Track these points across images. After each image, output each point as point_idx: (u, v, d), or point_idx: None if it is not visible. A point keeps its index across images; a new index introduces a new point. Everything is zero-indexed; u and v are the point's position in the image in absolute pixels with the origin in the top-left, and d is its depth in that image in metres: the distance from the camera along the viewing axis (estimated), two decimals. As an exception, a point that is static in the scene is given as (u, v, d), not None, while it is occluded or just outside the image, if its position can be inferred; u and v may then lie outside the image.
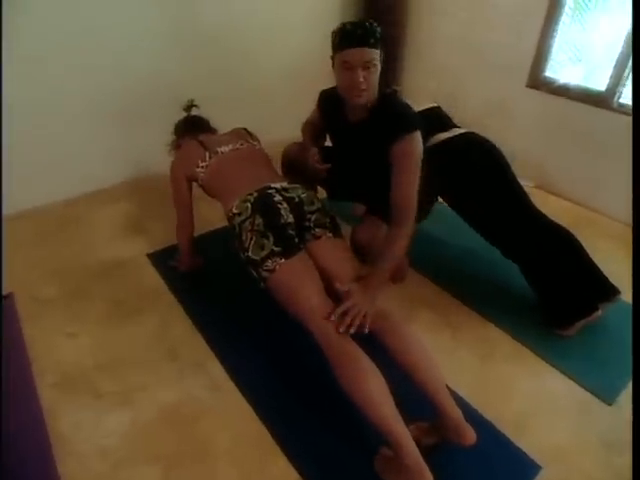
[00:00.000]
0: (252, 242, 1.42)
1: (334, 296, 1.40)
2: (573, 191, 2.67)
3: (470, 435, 1.23)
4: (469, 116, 2.95)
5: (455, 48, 2.93)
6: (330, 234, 1.52)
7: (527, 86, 2.66)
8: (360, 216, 1.94)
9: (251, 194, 1.50)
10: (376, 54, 1.39)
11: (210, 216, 1.71)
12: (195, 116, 1.96)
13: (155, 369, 1.61)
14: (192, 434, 1.41)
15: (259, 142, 1.86)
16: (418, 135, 1.48)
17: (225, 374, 1.59)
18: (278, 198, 1.48)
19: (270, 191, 1.51)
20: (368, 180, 1.74)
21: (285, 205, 1.48)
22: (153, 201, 2.53)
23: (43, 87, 2.25)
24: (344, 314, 1.31)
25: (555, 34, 2.52)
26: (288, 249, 1.40)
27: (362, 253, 1.69)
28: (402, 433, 1.16)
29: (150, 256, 2.15)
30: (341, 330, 1.28)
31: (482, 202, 1.83)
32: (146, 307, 1.87)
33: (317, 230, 1.51)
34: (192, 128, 1.90)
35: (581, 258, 1.75)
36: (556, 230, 1.78)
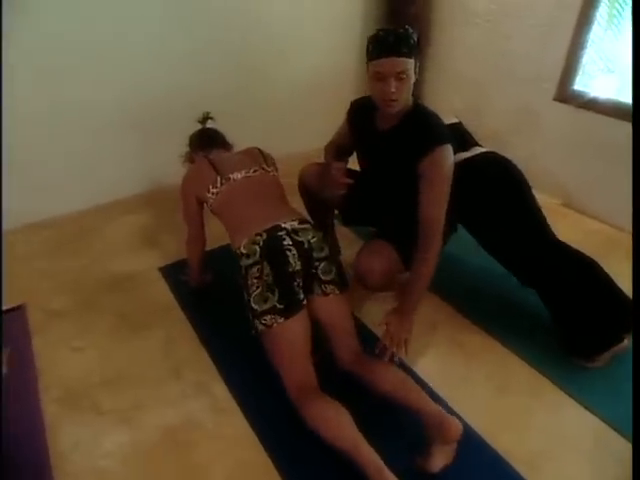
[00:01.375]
0: (257, 291, 1.40)
1: (330, 343, 1.50)
2: (602, 210, 2.54)
3: (456, 427, 1.25)
4: (493, 131, 2.87)
5: (479, 60, 2.85)
6: (338, 291, 1.49)
7: (555, 99, 2.55)
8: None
9: (260, 235, 1.45)
10: (409, 63, 1.35)
11: (220, 231, 1.68)
12: (210, 129, 1.93)
13: (158, 388, 1.58)
14: (191, 459, 1.37)
15: (274, 165, 1.80)
16: (449, 149, 1.44)
17: (229, 395, 1.55)
18: (287, 242, 1.44)
19: (280, 233, 1.45)
20: (389, 198, 1.68)
21: (294, 251, 1.43)
22: (167, 213, 2.53)
23: (61, 98, 2.28)
24: (385, 347, 1.48)
25: (586, 44, 2.41)
26: (290, 308, 1.39)
27: (362, 281, 1.64)
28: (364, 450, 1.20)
29: (162, 270, 2.14)
30: (386, 360, 1.46)
31: (497, 226, 1.75)
32: (154, 322, 1.85)
33: (327, 287, 1.47)
34: (207, 142, 1.86)
35: (605, 286, 1.64)
36: (577, 257, 1.68)
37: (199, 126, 1.95)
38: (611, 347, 1.60)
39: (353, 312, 1.61)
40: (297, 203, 1.95)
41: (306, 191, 1.92)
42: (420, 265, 1.48)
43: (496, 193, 1.75)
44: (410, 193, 1.46)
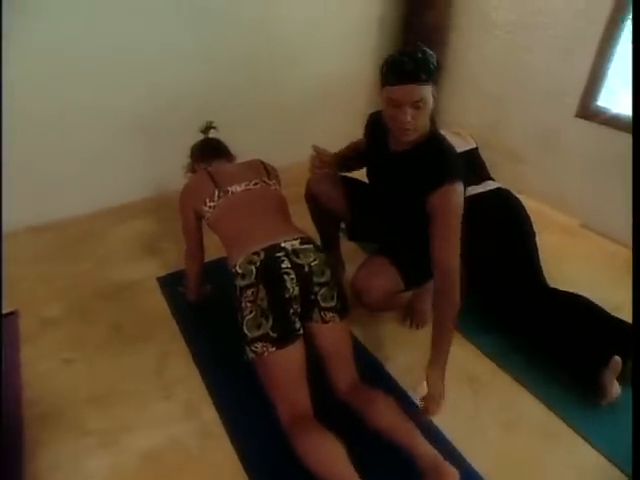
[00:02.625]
0: (250, 316, 1.32)
1: (327, 371, 1.43)
2: (622, 233, 2.40)
3: (452, 475, 1.17)
4: (511, 147, 2.77)
5: (498, 72, 2.74)
6: (338, 318, 1.41)
7: (577, 116, 2.43)
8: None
9: (257, 254, 1.37)
10: (427, 90, 1.25)
11: (220, 243, 1.60)
12: (212, 139, 1.86)
13: (146, 407, 1.51)
14: (173, 488, 1.30)
15: (277, 178, 1.72)
16: (460, 187, 1.34)
17: (218, 419, 1.47)
18: (286, 265, 1.35)
19: (279, 254, 1.37)
20: (394, 220, 1.60)
21: (292, 275, 1.34)
22: (171, 220, 2.43)
23: (70, 101, 2.25)
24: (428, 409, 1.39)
25: (612, 58, 2.29)
26: (284, 338, 1.30)
27: (359, 299, 1.56)
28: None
29: (160, 280, 2.08)
30: (430, 417, 1.41)
31: (493, 268, 1.78)
32: (148, 336, 1.79)
33: (327, 315, 1.39)
34: (208, 153, 1.79)
35: (597, 314, 1.65)
36: (570, 299, 1.71)
37: (202, 135, 1.89)
38: (608, 360, 1.48)
39: (351, 335, 1.53)
40: (303, 212, 1.88)
41: (313, 200, 1.84)
42: (444, 310, 1.37)
43: (500, 236, 1.78)
44: (415, 218, 1.38)
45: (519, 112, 2.70)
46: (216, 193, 1.56)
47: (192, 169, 1.82)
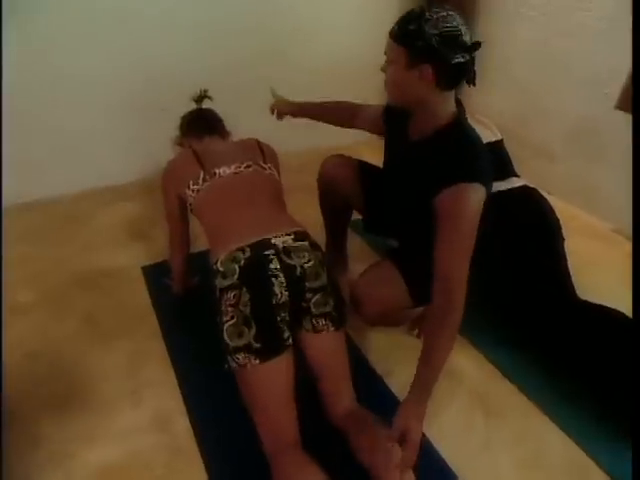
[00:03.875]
0: (231, 322, 1.13)
1: (319, 389, 1.24)
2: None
3: None
4: (541, 140, 2.52)
5: (531, 58, 2.48)
6: (333, 327, 1.21)
7: (617, 107, 2.18)
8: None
9: (242, 250, 1.18)
10: (393, 47, 1.09)
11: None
12: (206, 111, 1.65)
13: (111, 414, 1.33)
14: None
15: (274, 161, 1.52)
16: (479, 190, 1.10)
17: (190, 433, 1.29)
18: (274, 266, 1.16)
19: (267, 252, 1.17)
20: (406, 215, 1.38)
21: (281, 278, 1.15)
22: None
23: (60, 74, 2.09)
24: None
25: (659, 47, 2.04)
26: (268, 349, 1.12)
27: (356, 308, 1.35)
28: None
29: (144, 269, 1.89)
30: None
31: (516, 278, 1.54)
32: (123, 331, 1.61)
33: (319, 322, 1.20)
34: (200, 127, 1.59)
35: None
36: (605, 316, 1.45)
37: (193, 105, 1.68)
38: None
39: (350, 346, 1.32)
40: (308, 202, 1.69)
41: (326, 185, 1.64)
42: (438, 335, 1.12)
43: (525, 240, 1.55)
44: (430, 220, 1.15)
45: (551, 102, 2.44)
46: (201, 175, 1.36)
47: (180, 143, 1.63)
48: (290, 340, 1.16)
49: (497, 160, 1.72)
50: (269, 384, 1.13)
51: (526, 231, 1.60)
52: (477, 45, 1.06)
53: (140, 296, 1.76)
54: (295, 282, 1.17)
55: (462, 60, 1.05)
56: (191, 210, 1.43)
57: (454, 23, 1.04)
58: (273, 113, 1.72)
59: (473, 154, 1.16)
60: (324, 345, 1.22)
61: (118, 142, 2.37)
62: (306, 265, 1.19)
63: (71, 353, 1.52)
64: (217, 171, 1.36)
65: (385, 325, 1.55)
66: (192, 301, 1.70)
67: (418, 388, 1.11)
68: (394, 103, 1.24)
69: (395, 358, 1.55)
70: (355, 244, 1.96)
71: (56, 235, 2.07)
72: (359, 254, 1.93)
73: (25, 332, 1.59)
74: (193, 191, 1.36)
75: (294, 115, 1.70)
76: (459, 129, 1.19)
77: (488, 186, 1.14)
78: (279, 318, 1.14)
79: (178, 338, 1.58)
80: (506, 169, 1.75)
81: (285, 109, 1.69)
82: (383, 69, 1.16)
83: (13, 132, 2.05)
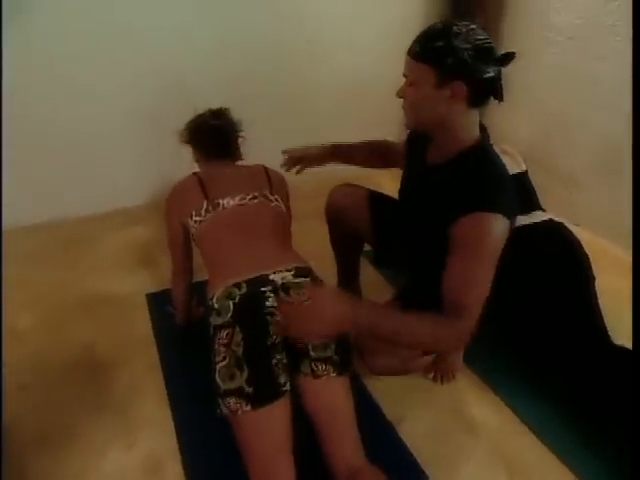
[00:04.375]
0: (223, 363, 1.07)
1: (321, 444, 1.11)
2: None
3: None
4: (569, 170, 2.40)
5: (558, 83, 2.38)
6: (334, 372, 1.11)
7: (649, 136, 2.05)
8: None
9: (239, 286, 1.12)
10: (417, 68, 1.01)
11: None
12: (220, 130, 1.49)
13: (99, 457, 1.24)
14: None
15: (281, 191, 1.44)
16: (500, 221, 1.00)
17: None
18: (271, 303, 1.10)
19: (265, 289, 1.11)
20: (420, 247, 1.28)
21: (278, 317, 1.08)
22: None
23: (71, 94, 2.07)
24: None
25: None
26: (262, 395, 1.04)
27: (361, 358, 1.25)
28: None
29: (149, 296, 1.82)
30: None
31: (545, 323, 1.41)
32: (121, 362, 1.53)
33: (319, 367, 1.11)
34: (211, 147, 1.49)
35: None
36: None
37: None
38: None
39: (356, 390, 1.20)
40: (320, 228, 1.61)
41: (335, 216, 1.56)
42: (436, 325, 1.00)
43: (552, 278, 1.42)
44: (443, 252, 1.05)
45: (579, 129, 2.33)
46: (204, 206, 1.31)
47: (186, 142, 1.54)
48: (287, 386, 1.07)
49: (521, 193, 1.62)
50: (263, 433, 1.03)
51: (553, 269, 1.47)
52: (512, 56, 1.00)
53: (142, 325, 1.69)
54: None
55: (493, 74, 0.99)
56: (193, 240, 1.37)
57: (484, 35, 0.98)
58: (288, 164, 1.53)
59: (497, 182, 1.07)
60: (324, 392, 1.11)
61: (130, 164, 2.34)
62: (305, 303, 1.10)
63: (66, 385, 1.45)
64: (221, 202, 1.31)
65: (394, 375, 1.43)
66: (195, 333, 1.60)
67: (376, 307, 1.09)
68: (416, 128, 1.16)
69: (408, 402, 1.43)
70: (369, 276, 1.86)
71: (61, 258, 2.02)
72: (373, 287, 1.82)
73: (21, 360, 1.51)
74: (196, 222, 1.31)
75: (321, 162, 1.54)
76: (483, 153, 1.10)
77: (512, 220, 1.05)
78: (275, 361, 1.06)
79: (177, 373, 1.49)
80: (530, 202, 1.64)
81: (313, 153, 1.51)
82: (400, 94, 1.08)
83: (22, 153, 2.05)
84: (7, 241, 2.05)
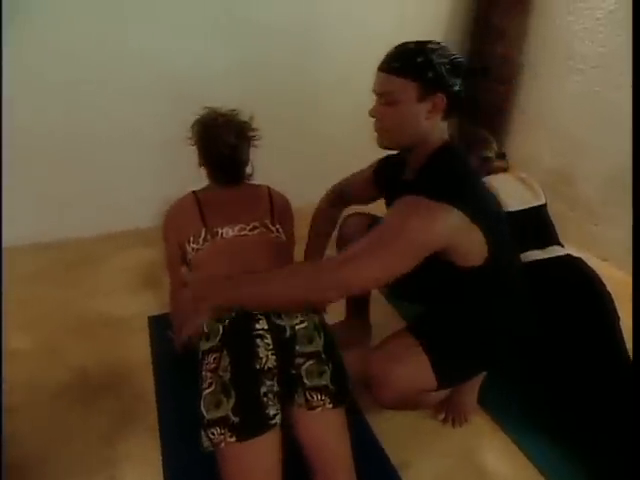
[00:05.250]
0: (208, 390, 1.01)
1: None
2: None
3: None
4: (588, 199, 2.30)
5: (580, 112, 2.30)
6: (330, 404, 1.03)
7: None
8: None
9: (231, 309, 1.07)
10: (398, 84, 1.00)
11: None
12: (231, 159, 1.38)
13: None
14: None
15: (284, 218, 1.39)
16: (437, 207, 0.94)
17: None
18: (261, 326, 1.04)
19: (255, 312, 1.06)
20: (423, 272, 1.20)
21: (268, 340, 1.03)
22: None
23: (83, 114, 2.09)
24: None
25: None
26: (248, 425, 0.96)
27: (370, 390, 1.14)
28: None
29: (151, 319, 1.77)
30: None
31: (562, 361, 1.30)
32: (114, 387, 1.46)
33: (314, 397, 1.03)
34: (218, 174, 1.41)
35: None
36: None
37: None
38: None
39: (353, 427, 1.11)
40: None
41: (345, 246, 1.48)
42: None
43: (569, 320, 1.32)
44: (448, 283, 1.00)
45: (602, 158, 2.23)
46: (202, 234, 1.26)
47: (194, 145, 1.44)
48: (277, 419, 0.99)
49: (538, 226, 1.53)
50: (248, 469, 0.96)
51: (571, 305, 1.35)
52: (478, 71, 1.09)
53: (140, 348, 1.63)
54: (283, 344, 1.04)
55: (461, 89, 1.03)
56: (189, 265, 1.32)
57: (455, 52, 1.02)
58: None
59: (452, 173, 1.04)
60: (319, 425, 1.03)
61: (142, 185, 2.33)
62: (298, 327, 1.07)
63: (53, 410, 1.38)
64: (220, 231, 1.26)
65: (403, 409, 1.32)
66: (194, 360, 1.54)
67: (239, 277, 1.08)
68: (394, 145, 1.12)
69: (414, 446, 1.31)
70: (380, 310, 1.76)
71: (65, 277, 2.00)
72: (384, 322, 1.71)
73: (12, 382, 1.46)
74: (193, 249, 1.27)
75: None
76: (446, 151, 1.08)
77: (469, 213, 0.95)
78: (265, 388, 0.99)
79: (171, 402, 1.41)
80: (547, 236, 1.54)
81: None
82: (373, 113, 1.07)
83: (35, 172, 2.07)
84: (13, 259, 2.05)
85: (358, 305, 1.61)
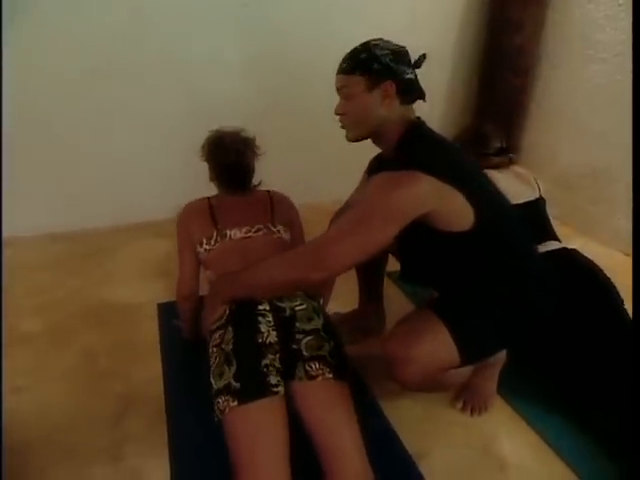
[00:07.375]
0: (215, 362, 1.08)
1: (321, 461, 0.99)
2: None
3: None
4: (615, 198, 2.22)
5: (603, 104, 2.24)
6: (330, 374, 1.07)
7: None
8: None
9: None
10: (349, 80, 1.12)
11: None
12: (239, 169, 1.44)
13: (81, 469, 1.14)
14: None
15: (287, 216, 1.44)
16: (407, 176, 0.99)
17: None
18: (263, 307, 1.14)
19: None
20: (427, 251, 1.16)
21: (269, 317, 1.12)
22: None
23: (101, 107, 2.12)
24: None
25: None
26: (250, 389, 1.00)
27: (391, 373, 1.08)
28: None
29: (161, 306, 1.74)
30: None
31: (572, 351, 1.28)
32: (122, 372, 1.44)
33: (312, 367, 1.07)
34: (227, 184, 1.46)
35: None
36: None
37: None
38: None
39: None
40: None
41: None
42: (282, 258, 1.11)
43: (577, 305, 1.29)
44: (453, 258, 1.04)
45: (624, 151, 2.16)
46: (214, 236, 1.34)
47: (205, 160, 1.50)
48: (280, 388, 1.01)
49: (534, 220, 1.48)
50: (251, 433, 0.94)
51: (575, 294, 1.30)
52: (422, 58, 1.13)
53: (149, 334, 1.61)
54: (283, 322, 1.13)
55: (412, 76, 1.11)
56: (201, 263, 1.40)
57: (398, 44, 1.13)
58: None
59: (419, 145, 1.09)
60: (320, 395, 1.04)
61: (157, 178, 2.34)
62: (297, 308, 1.17)
63: (60, 392, 1.36)
64: (229, 233, 1.34)
65: (428, 391, 1.27)
66: (202, 347, 1.51)
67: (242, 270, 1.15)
68: (359, 136, 1.17)
69: (433, 436, 1.26)
70: (393, 297, 1.72)
71: (78, 265, 2.00)
72: (398, 309, 1.66)
73: (20, 364, 1.45)
74: (205, 250, 1.35)
75: None
76: (408, 136, 1.11)
77: (441, 175, 0.98)
78: (266, 360, 1.03)
79: (178, 386, 1.38)
80: (544, 231, 1.52)
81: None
82: (338, 111, 1.16)
83: (53, 163, 2.10)
84: (31, 248, 2.08)
85: (371, 290, 1.56)
